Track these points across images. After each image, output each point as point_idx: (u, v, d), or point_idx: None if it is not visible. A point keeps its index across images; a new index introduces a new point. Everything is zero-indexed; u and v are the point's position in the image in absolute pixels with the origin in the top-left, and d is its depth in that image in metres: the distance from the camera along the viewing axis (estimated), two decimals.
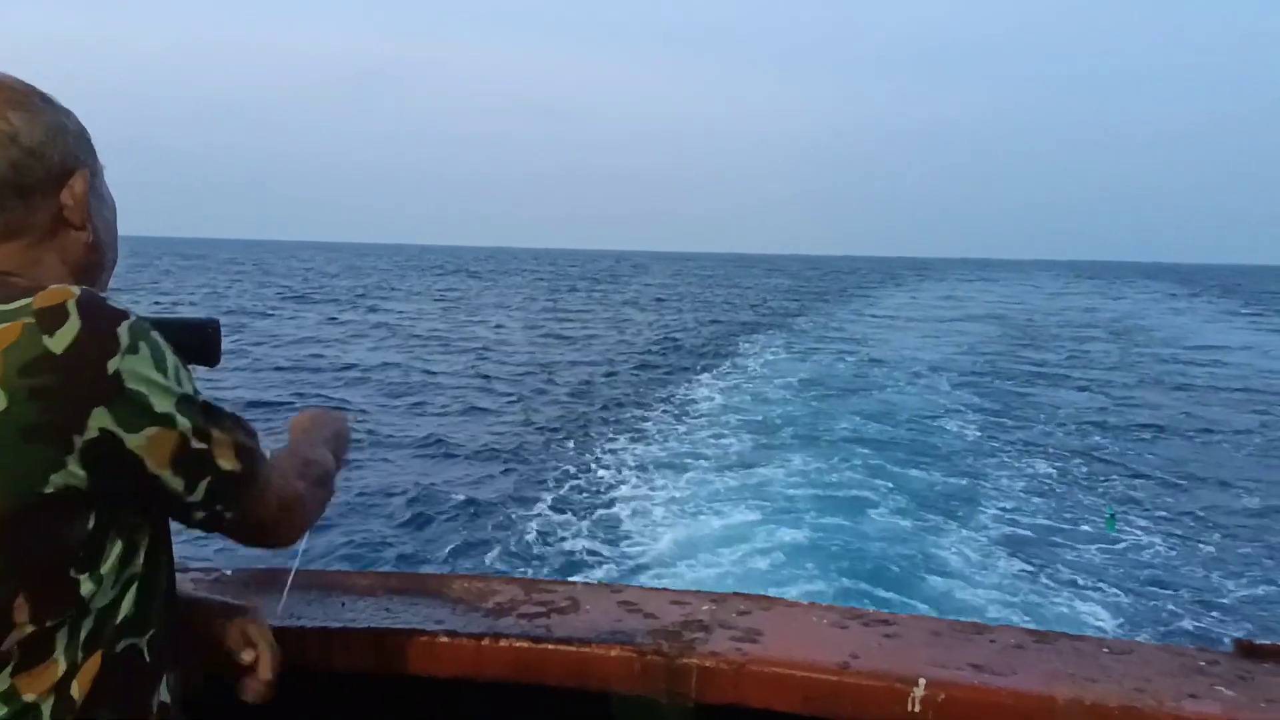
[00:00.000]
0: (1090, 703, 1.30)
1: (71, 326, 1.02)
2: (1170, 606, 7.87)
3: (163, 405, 1.07)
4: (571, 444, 13.65)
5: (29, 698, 1.04)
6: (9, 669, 1.03)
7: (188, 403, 1.10)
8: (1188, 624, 7.52)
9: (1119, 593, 8.06)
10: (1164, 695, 1.32)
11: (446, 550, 8.91)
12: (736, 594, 1.70)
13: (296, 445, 1.41)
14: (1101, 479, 12.14)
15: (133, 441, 1.05)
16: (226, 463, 1.14)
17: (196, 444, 1.10)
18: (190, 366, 1.15)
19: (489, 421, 15.37)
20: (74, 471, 1.03)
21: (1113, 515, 9.54)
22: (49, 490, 1.02)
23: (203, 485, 1.13)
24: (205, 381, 1.16)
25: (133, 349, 1.05)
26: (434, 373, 20.74)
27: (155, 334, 1.10)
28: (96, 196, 1.24)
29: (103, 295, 1.08)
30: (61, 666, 1.06)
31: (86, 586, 1.07)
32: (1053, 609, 7.54)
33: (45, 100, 1.18)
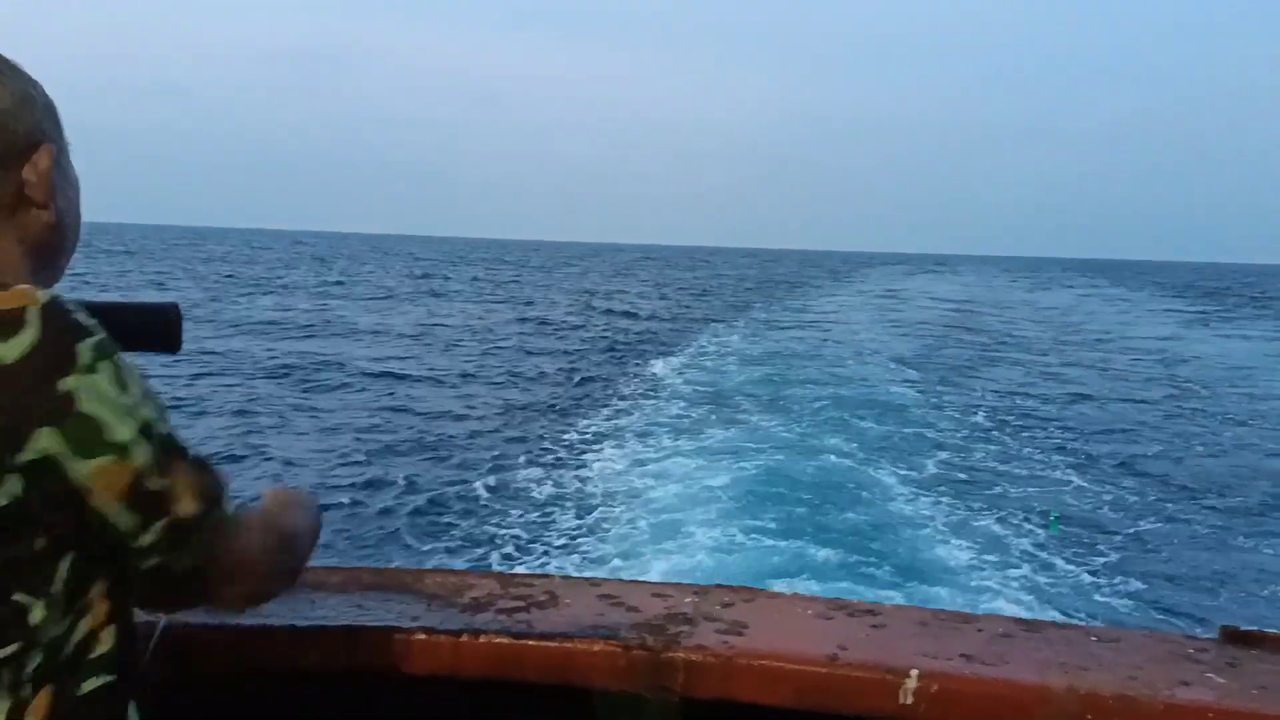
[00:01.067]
0: (1084, 692, 1.28)
1: (26, 336, 0.93)
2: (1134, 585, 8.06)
3: (120, 434, 0.96)
4: (531, 431, 13.70)
5: None
6: None
7: (147, 431, 0.98)
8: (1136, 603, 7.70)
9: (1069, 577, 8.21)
10: (1157, 683, 1.30)
11: (411, 545, 8.82)
12: (719, 586, 1.67)
13: (269, 511, 1.26)
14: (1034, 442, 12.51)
15: (78, 470, 0.95)
16: (188, 505, 1.02)
17: (155, 481, 0.99)
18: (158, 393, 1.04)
19: (443, 412, 15.30)
20: (12, 490, 0.94)
21: (1056, 518, 9.76)
22: None
23: (157, 527, 1.00)
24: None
25: (91, 369, 0.95)
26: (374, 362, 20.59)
27: (122, 357, 1.00)
28: (61, 174, 1.15)
29: (69, 307, 0.98)
30: (5, 703, 0.96)
31: (36, 613, 0.97)
32: (1016, 593, 7.64)
33: (10, 68, 1.10)
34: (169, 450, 1.00)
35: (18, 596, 0.96)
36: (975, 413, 15.77)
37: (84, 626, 1.01)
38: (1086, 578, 8.27)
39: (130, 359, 1.01)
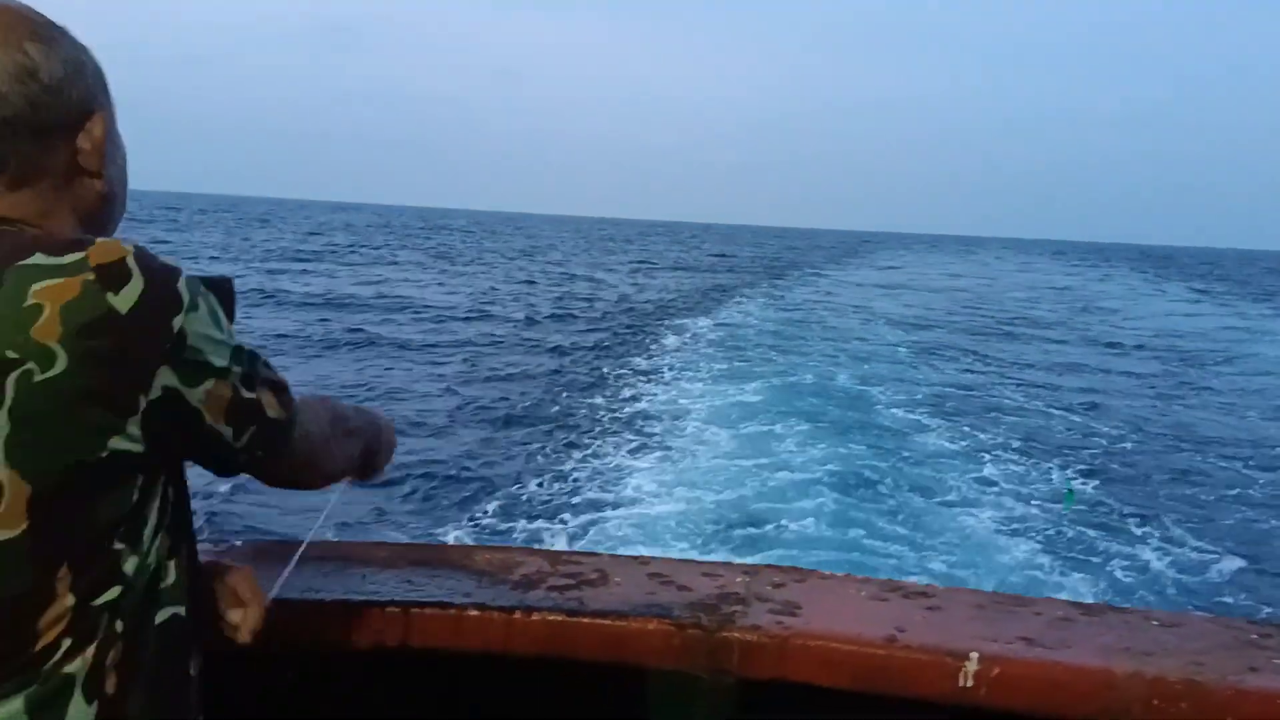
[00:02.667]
0: (1151, 677, 1.26)
1: (135, 285, 0.98)
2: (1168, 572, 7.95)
3: (219, 359, 1.06)
4: (567, 406, 13.70)
5: (67, 672, 0.98)
6: (57, 646, 0.97)
7: (238, 354, 1.09)
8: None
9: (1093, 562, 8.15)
10: (1225, 669, 1.28)
11: (444, 520, 8.85)
12: (769, 566, 1.65)
13: (327, 400, 1.38)
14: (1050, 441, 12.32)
15: (194, 396, 1.04)
16: (272, 410, 1.14)
17: (246, 394, 1.10)
18: None
19: (482, 386, 15.31)
20: (132, 434, 0.99)
21: (1071, 491, 9.62)
22: (103, 455, 0.98)
23: (249, 432, 1.12)
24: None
25: (193, 306, 1.03)
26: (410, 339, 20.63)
27: (204, 288, 1.07)
28: (112, 144, 1.15)
29: (151, 251, 1.03)
30: (101, 640, 1.00)
31: (128, 557, 1.03)
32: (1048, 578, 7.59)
33: (63, 33, 1.09)
34: (252, 364, 1.11)
35: (118, 545, 1.02)
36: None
37: (158, 562, 1.07)
38: (1138, 560, 8.18)
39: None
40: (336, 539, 1.80)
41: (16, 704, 0.95)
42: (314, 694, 1.58)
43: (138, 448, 1.00)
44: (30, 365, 0.92)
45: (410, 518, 8.86)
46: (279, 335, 19.26)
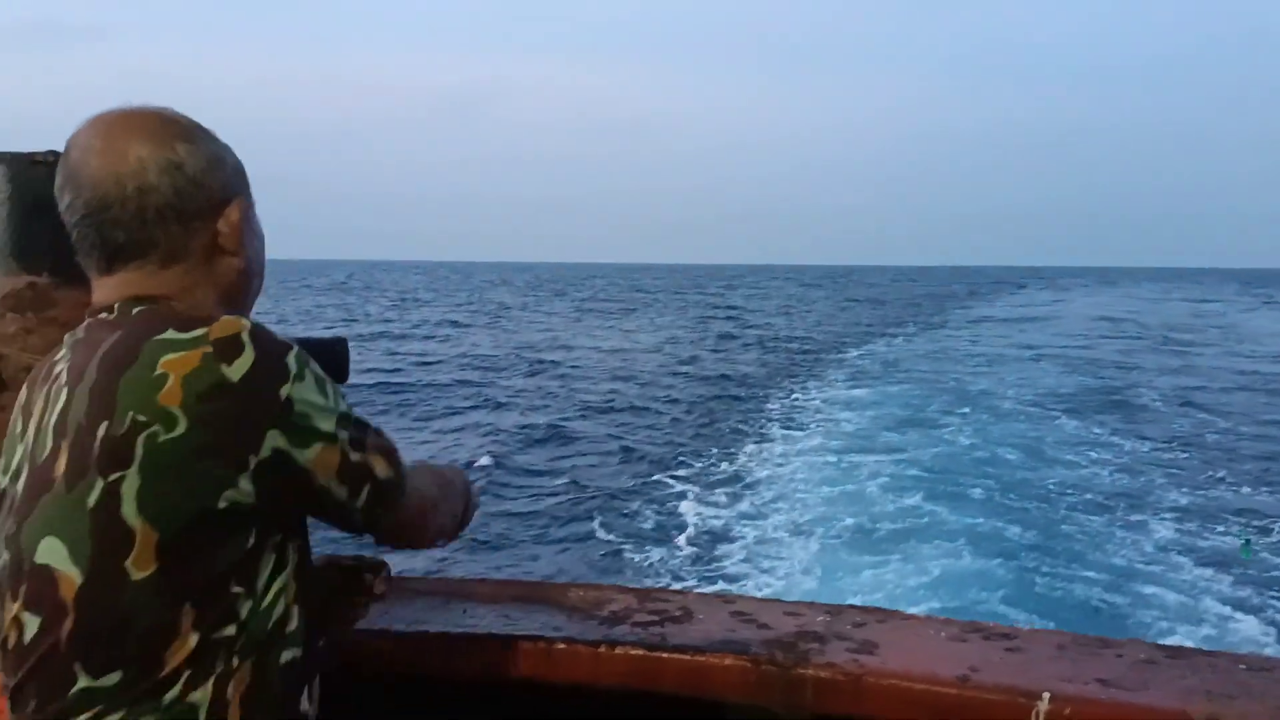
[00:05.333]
0: None
1: (247, 357, 1.10)
2: None
3: (326, 424, 1.16)
4: (687, 449, 13.84)
5: (190, 704, 1.11)
6: (180, 679, 1.10)
7: (345, 420, 1.18)
8: None
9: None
10: None
11: (558, 559, 9.04)
12: (851, 606, 1.69)
13: (427, 465, 1.47)
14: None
15: (302, 457, 1.14)
16: (382, 471, 1.22)
17: (355, 456, 1.19)
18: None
19: (607, 425, 15.66)
20: (244, 489, 1.11)
21: (1248, 541, 9.01)
22: (221, 506, 1.10)
23: (365, 491, 1.21)
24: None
25: (300, 376, 1.14)
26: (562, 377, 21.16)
27: (313, 362, 1.18)
28: (249, 226, 1.30)
29: (267, 329, 1.16)
30: (220, 677, 1.12)
31: (245, 600, 1.14)
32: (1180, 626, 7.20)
33: (206, 133, 1.27)
34: (361, 429, 1.20)
35: (235, 588, 1.13)
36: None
37: (280, 607, 1.18)
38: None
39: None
40: (444, 575, 1.92)
41: None
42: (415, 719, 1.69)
43: (250, 500, 1.11)
44: (156, 428, 1.07)
45: (529, 555, 9.08)
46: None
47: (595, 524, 10.22)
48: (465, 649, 1.57)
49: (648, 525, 10.26)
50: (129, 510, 1.07)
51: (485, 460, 13.41)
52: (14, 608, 1.13)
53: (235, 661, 1.13)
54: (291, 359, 1.14)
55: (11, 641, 1.13)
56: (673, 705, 1.51)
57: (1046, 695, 1.32)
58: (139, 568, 1.08)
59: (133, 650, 1.09)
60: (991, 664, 1.42)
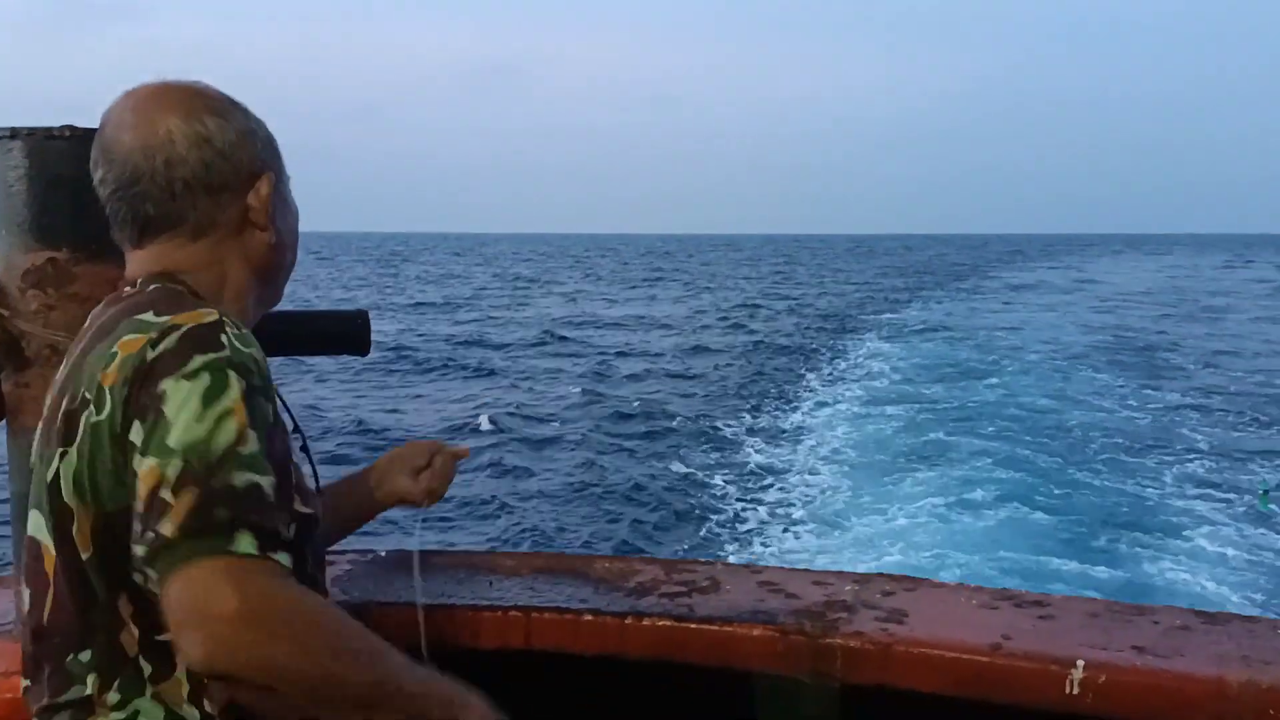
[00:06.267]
0: (1266, 686, 1.22)
1: (167, 344, 1.04)
2: None
3: (174, 440, 0.99)
4: (718, 417, 13.97)
5: (174, 710, 1.09)
6: (148, 675, 1.08)
7: (196, 450, 0.98)
8: None
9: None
10: None
11: (585, 531, 9.08)
12: (880, 574, 1.67)
13: (358, 631, 1.06)
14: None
15: (140, 463, 1.01)
16: (167, 526, 0.96)
17: (163, 490, 0.98)
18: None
19: (633, 397, 15.72)
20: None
21: (1266, 492, 8.86)
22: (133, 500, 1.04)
23: (147, 539, 0.98)
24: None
25: (191, 375, 1.02)
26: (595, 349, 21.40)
27: (240, 382, 1.03)
28: (281, 200, 1.29)
29: (227, 330, 1.07)
30: (185, 685, 1.08)
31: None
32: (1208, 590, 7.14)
33: (237, 107, 1.25)
34: (200, 474, 0.98)
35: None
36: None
37: None
38: None
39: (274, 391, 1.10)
40: (467, 549, 1.92)
41: (145, 708, 1.07)
42: None
43: None
44: (91, 408, 1.05)
45: (555, 529, 9.12)
46: None
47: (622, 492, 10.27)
48: (492, 622, 1.57)
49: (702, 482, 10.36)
50: (66, 488, 1.06)
51: (485, 425, 13.49)
52: (20, 580, 1.16)
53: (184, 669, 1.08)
54: (199, 359, 1.02)
55: (21, 614, 1.17)
56: (700, 676, 1.50)
57: (1081, 663, 1.29)
58: (82, 548, 1.07)
59: (99, 629, 1.08)
60: (1023, 632, 1.40)
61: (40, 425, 1.15)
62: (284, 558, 1.00)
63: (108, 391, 1.04)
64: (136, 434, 1.02)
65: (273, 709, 1.11)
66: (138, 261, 1.22)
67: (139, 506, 0.99)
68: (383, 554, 1.84)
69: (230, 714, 1.10)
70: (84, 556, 1.07)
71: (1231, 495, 9.73)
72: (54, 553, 1.09)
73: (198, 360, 1.03)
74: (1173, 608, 1.50)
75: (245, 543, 0.97)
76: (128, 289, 1.20)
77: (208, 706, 1.09)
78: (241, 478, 0.99)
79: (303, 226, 1.36)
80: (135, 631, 1.07)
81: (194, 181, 1.19)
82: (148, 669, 1.08)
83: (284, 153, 1.32)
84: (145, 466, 0.99)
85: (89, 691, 1.08)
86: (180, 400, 1.00)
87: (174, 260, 1.20)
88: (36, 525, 1.11)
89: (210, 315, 1.08)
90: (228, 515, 0.97)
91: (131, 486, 1.02)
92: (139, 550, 0.99)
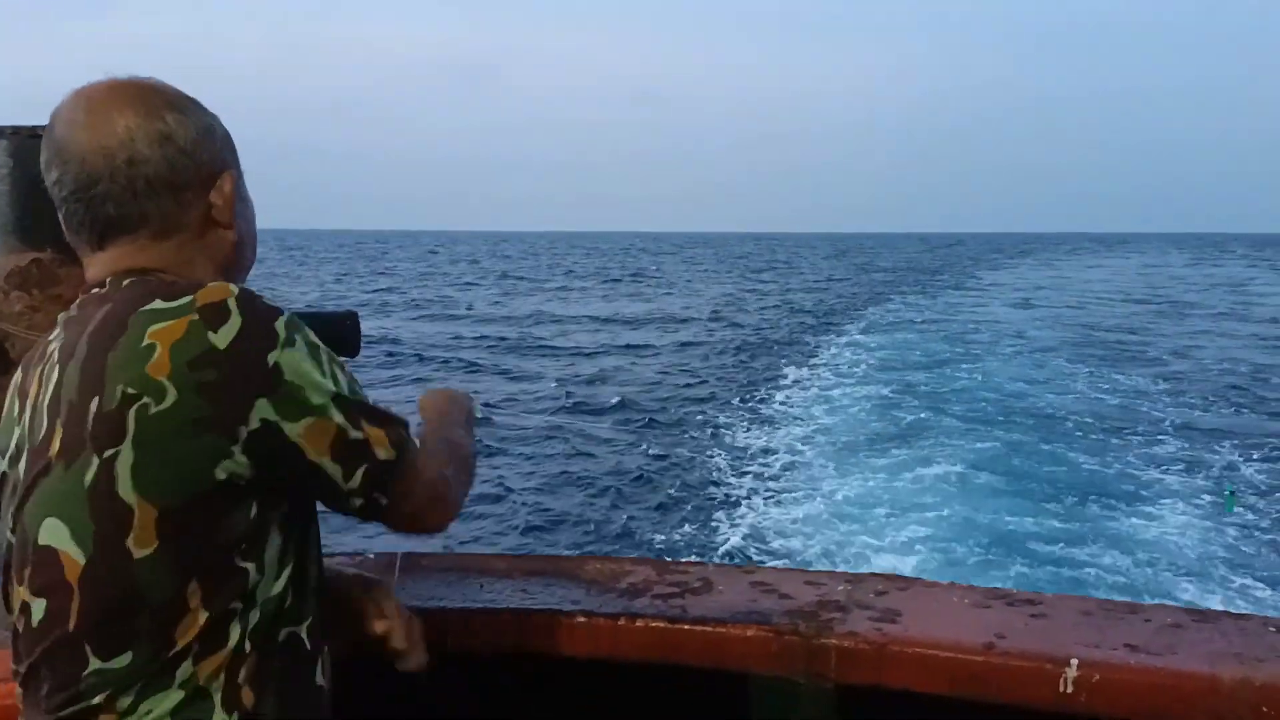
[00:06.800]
0: (1259, 683, 1.23)
1: (234, 323, 1.07)
2: None
3: (319, 397, 1.11)
4: (698, 417, 14.00)
5: (203, 684, 1.09)
6: (191, 657, 1.08)
7: (341, 394, 1.13)
8: None
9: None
10: None
11: (574, 532, 9.07)
12: (873, 574, 1.67)
13: (439, 429, 1.40)
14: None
15: (292, 431, 1.09)
16: (383, 451, 1.16)
17: (354, 434, 1.13)
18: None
19: (611, 400, 15.67)
20: (239, 460, 1.07)
21: (1232, 493, 8.99)
22: (220, 478, 1.07)
23: (360, 473, 1.14)
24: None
25: (289, 342, 1.09)
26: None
27: (307, 329, 1.13)
28: (241, 198, 1.27)
29: (257, 294, 1.12)
30: (231, 654, 1.10)
31: (253, 575, 1.12)
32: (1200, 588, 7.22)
33: (195, 104, 1.23)
34: (359, 406, 1.14)
35: (241, 563, 1.10)
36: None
37: (288, 583, 1.15)
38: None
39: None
40: (458, 551, 1.90)
41: (162, 706, 1.07)
42: (436, 696, 1.69)
43: (247, 473, 1.08)
44: (147, 400, 1.04)
45: (546, 530, 9.11)
46: None
47: (609, 493, 10.29)
48: (484, 624, 1.56)
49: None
50: (125, 487, 1.05)
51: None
52: (21, 592, 1.12)
53: (245, 638, 1.11)
54: (280, 325, 1.10)
55: (21, 626, 1.12)
56: (695, 677, 1.50)
57: (1074, 661, 1.30)
58: (140, 545, 1.06)
59: (143, 629, 1.07)
60: (1017, 631, 1.41)
61: (43, 431, 1.11)
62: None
63: (166, 382, 1.04)
64: (265, 410, 1.07)
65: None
66: (100, 264, 1.19)
67: (323, 457, 1.12)
68: (371, 556, 1.83)
69: (255, 683, 1.11)
70: (139, 555, 1.05)
71: (1193, 467, 10.17)
72: (81, 560, 1.07)
73: (279, 327, 1.10)
74: (1165, 605, 1.51)
75: (411, 440, 1.21)
76: (96, 289, 1.17)
77: (240, 677, 1.10)
78: (369, 396, 1.17)
79: (268, 224, 1.35)
80: (204, 614, 1.08)
81: (157, 180, 1.16)
82: (191, 655, 1.08)
83: (254, 149, 1.30)
84: (305, 427, 1.10)
85: (99, 700, 1.07)
86: (296, 365, 1.09)
87: (138, 261, 1.18)
88: (53, 533, 1.08)
89: (228, 286, 1.10)
90: (395, 425, 1.18)
91: (274, 456, 1.09)
92: (354, 483, 1.15)
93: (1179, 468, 10.57)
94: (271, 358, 1.08)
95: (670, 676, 1.51)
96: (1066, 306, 31.85)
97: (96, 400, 1.06)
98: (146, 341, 1.06)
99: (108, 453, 1.05)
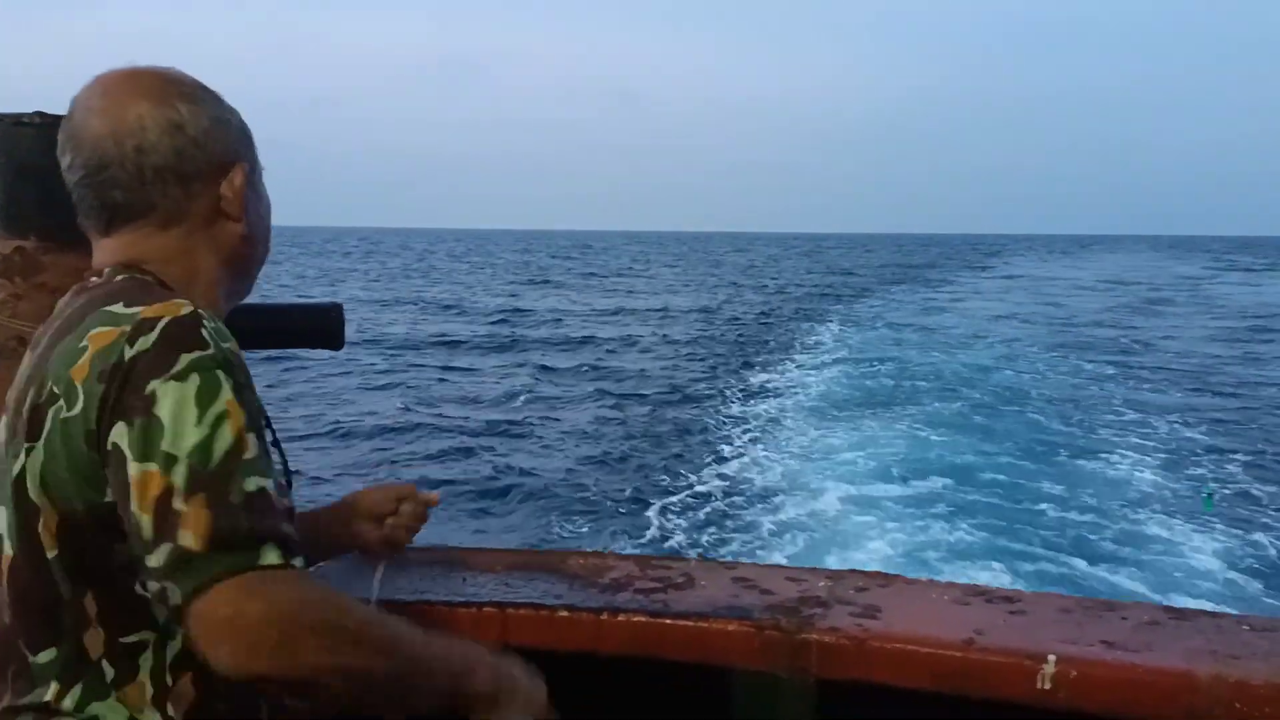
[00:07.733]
0: (1234, 681, 1.24)
1: (147, 340, 1.01)
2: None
3: (172, 446, 0.97)
4: (679, 414, 14.09)
5: (135, 715, 1.05)
6: (110, 679, 1.05)
7: (202, 455, 0.97)
8: None
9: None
10: None
11: (557, 528, 9.08)
12: (854, 571, 1.69)
13: (428, 639, 1.14)
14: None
15: (133, 469, 0.97)
16: (189, 538, 0.95)
17: (176, 503, 0.95)
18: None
19: (594, 397, 15.72)
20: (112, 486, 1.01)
21: (1210, 495, 9.08)
22: (107, 499, 1.02)
23: (162, 551, 0.96)
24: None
25: (181, 377, 0.99)
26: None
27: (228, 381, 1.01)
28: (254, 191, 1.26)
29: (205, 324, 1.04)
30: (149, 689, 1.05)
31: (159, 608, 1.03)
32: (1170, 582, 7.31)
33: (210, 94, 1.22)
34: (211, 480, 0.96)
35: (140, 590, 1.03)
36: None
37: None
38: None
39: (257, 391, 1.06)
40: (442, 544, 1.90)
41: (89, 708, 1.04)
42: None
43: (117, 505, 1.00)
44: (62, 402, 1.02)
45: (527, 524, 9.11)
46: None
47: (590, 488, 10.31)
48: (467, 618, 1.56)
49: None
50: (32, 485, 1.04)
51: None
52: None
53: (170, 679, 1.06)
54: (187, 358, 0.99)
55: None
56: (677, 672, 1.50)
57: (1052, 658, 1.32)
58: (48, 546, 1.04)
59: (64, 630, 1.05)
60: (996, 627, 1.43)
61: (5, 419, 1.11)
62: (300, 561, 1.01)
63: (79, 387, 1.01)
64: (121, 435, 0.98)
65: (247, 711, 1.11)
66: (105, 251, 1.18)
67: (143, 514, 0.96)
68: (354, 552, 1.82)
69: (194, 718, 1.07)
70: (49, 555, 1.04)
71: (1173, 467, 10.50)
72: (11, 551, 1.06)
73: (184, 360, 1.00)
74: (1142, 603, 1.53)
75: (271, 554, 0.97)
76: (94, 279, 1.16)
77: (171, 711, 1.06)
78: (251, 483, 0.99)
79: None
80: (101, 633, 1.05)
81: (165, 169, 1.15)
82: (110, 673, 1.05)
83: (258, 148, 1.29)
84: (142, 471, 0.96)
85: (49, 696, 1.05)
86: (173, 404, 0.97)
87: (142, 250, 1.17)
88: (3, 521, 1.08)
89: (185, 307, 1.04)
90: (248, 525, 0.97)
91: (117, 488, 0.99)
92: (153, 560, 0.96)
93: (1157, 464, 10.69)
94: (152, 385, 0.98)
95: (653, 671, 1.52)
96: (1045, 303, 32.54)
97: (33, 392, 1.05)
98: (82, 343, 1.03)
99: (27, 446, 1.04)
